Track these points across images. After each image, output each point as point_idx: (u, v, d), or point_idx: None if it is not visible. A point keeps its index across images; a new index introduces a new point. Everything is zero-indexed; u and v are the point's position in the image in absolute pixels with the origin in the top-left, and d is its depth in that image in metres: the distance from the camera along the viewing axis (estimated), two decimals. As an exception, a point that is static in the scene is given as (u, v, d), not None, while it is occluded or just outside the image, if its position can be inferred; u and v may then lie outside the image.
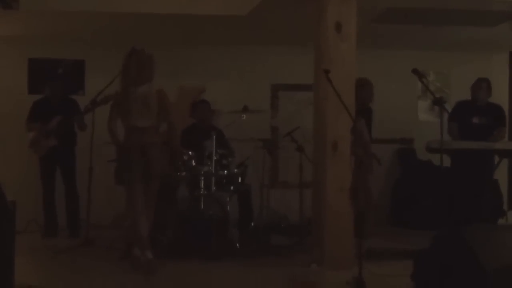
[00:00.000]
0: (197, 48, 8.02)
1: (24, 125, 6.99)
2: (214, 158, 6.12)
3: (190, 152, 6.21)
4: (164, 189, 6.11)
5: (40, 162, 6.99)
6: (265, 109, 7.84)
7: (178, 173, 6.17)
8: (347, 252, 5.25)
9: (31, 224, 7.05)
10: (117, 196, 5.51)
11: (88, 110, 6.38)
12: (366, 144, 4.83)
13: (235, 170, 6.44)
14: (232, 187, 6.38)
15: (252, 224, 6.62)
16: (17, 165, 7.41)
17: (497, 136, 6.86)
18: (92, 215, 6.30)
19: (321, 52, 5.47)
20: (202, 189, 6.08)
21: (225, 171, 6.30)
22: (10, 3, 6.03)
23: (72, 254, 5.98)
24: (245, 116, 6.63)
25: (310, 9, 5.60)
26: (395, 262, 5.59)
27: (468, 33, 7.33)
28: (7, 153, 7.43)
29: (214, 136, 6.14)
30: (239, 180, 6.48)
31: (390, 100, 8.10)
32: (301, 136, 6.96)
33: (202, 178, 6.11)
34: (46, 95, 7.16)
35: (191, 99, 7.63)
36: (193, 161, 6.19)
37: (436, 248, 4.32)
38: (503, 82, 8.45)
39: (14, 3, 6.05)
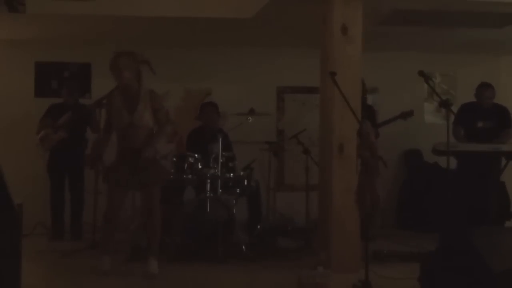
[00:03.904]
0: (203, 51, 8.02)
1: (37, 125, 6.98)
2: (220, 161, 6.12)
3: (196, 155, 6.22)
4: (171, 192, 6.12)
5: (49, 162, 7.01)
6: (271, 111, 7.84)
7: (185, 176, 6.18)
8: (353, 254, 5.24)
9: (38, 227, 7.06)
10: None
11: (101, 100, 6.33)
12: (372, 146, 4.82)
13: (241, 172, 6.44)
14: (238, 189, 6.37)
15: (259, 227, 6.62)
16: (25, 168, 7.43)
17: (502, 139, 6.84)
18: (98, 218, 6.31)
19: (327, 54, 5.46)
20: (208, 192, 6.08)
21: (231, 174, 6.30)
22: (16, 7, 6.05)
23: (78, 257, 5.99)
24: (251, 118, 6.63)
25: (316, 12, 5.59)
26: (401, 264, 5.58)
27: (475, 35, 7.31)
28: (14, 156, 7.44)
29: (220, 139, 6.14)
30: (246, 183, 6.47)
31: (396, 102, 8.07)
32: (307, 138, 6.96)
33: (208, 181, 6.10)
34: (65, 98, 7.13)
35: (197, 102, 7.62)
36: (199, 164, 6.19)
37: (442, 251, 4.31)
38: (511, 84, 8.41)
39: (20, 7, 6.07)
